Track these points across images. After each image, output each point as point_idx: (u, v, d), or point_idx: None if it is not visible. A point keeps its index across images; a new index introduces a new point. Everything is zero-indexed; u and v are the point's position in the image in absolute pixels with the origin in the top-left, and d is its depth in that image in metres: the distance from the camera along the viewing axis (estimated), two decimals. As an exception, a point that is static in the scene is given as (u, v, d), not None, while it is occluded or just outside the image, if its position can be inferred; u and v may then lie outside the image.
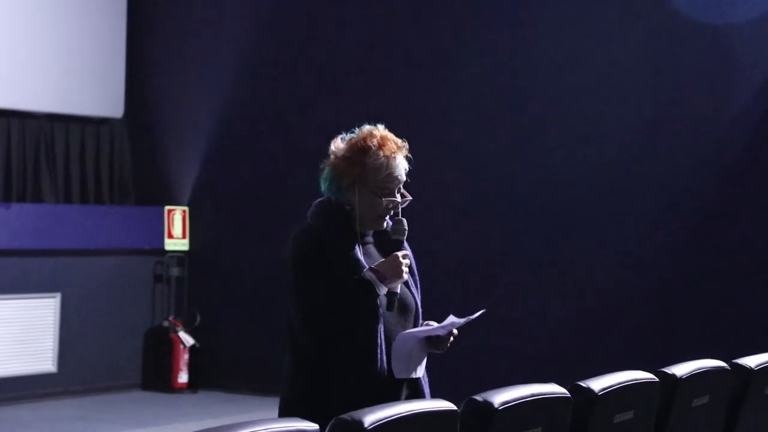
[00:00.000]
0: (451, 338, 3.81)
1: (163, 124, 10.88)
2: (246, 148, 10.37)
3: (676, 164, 8.27)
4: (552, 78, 8.78)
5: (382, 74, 9.59)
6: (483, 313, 3.84)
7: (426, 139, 8.53)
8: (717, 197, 8.13)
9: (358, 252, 3.76)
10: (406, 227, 3.82)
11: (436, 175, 8.89)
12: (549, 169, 8.74)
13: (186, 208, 10.55)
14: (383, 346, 3.71)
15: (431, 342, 3.80)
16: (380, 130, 3.84)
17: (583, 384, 3.48)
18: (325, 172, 3.83)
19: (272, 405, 3.89)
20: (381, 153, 3.77)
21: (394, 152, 3.79)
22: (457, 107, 9.17)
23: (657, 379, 3.81)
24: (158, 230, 10.38)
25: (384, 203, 3.79)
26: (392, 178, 3.78)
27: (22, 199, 10.18)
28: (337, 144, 3.83)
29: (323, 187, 3.84)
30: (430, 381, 3.88)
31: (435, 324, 3.83)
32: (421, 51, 9.41)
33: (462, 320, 3.77)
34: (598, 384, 3.51)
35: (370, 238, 3.86)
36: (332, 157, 3.82)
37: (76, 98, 10.49)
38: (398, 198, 3.81)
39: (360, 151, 3.78)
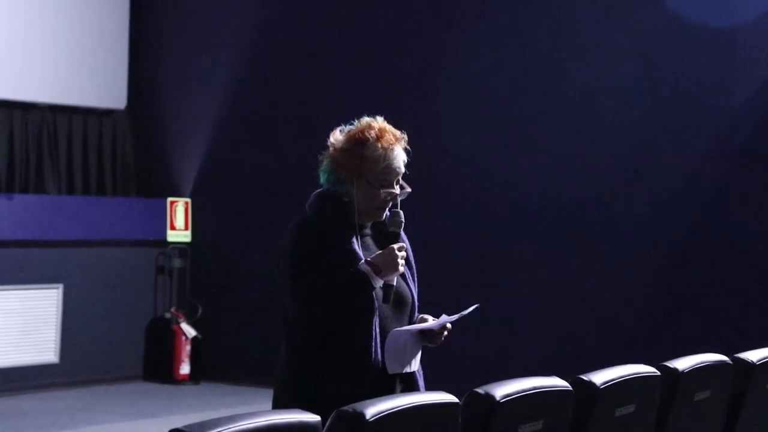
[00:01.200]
0: (445, 332, 3.81)
1: (165, 115, 10.87)
2: (249, 141, 10.36)
3: (677, 162, 8.25)
4: (552, 76, 8.76)
5: (383, 70, 9.57)
6: (476, 308, 3.83)
7: (426, 137, 8.52)
8: (718, 195, 8.11)
9: (356, 244, 3.75)
10: (403, 219, 3.80)
11: (436, 170, 8.88)
12: (549, 167, 8.73)
13: (188, 200, 10.55)
14: (378, 339, 3.70)
15: (425, 336, 3.80)
16: (379, 122, 3.82)
17: (584, 377, 3.48)
18: (324, 164, 3.81)
19: (273, 397, 3.89)
20: (379, 145, 3.75)
21: (392, 144, 3.77)
22: (458, 105, 9.15)
23: (659, 373, 3.81)
24: (161, 222, 10.38)
25: (382, 195, 3.77)
26: (390, 169, 3.76)
27: (24, 190, 10.18)
28: (336, 136, 3.82)
29: (322, 178, 3.82)
30: (430, 374, 3.88)
31: (430, 318, 3.83)
32: (422, 50, 9.39)
33: (454, 316, 3.76)
34: (600, 377, 3.50)
35: (368, 231, 3.84)
36: (331, 148, 3.80)
37: (79, 89, 10.48)
38: (397, 190, 3.79)
39: (358, 142, 3.76)
